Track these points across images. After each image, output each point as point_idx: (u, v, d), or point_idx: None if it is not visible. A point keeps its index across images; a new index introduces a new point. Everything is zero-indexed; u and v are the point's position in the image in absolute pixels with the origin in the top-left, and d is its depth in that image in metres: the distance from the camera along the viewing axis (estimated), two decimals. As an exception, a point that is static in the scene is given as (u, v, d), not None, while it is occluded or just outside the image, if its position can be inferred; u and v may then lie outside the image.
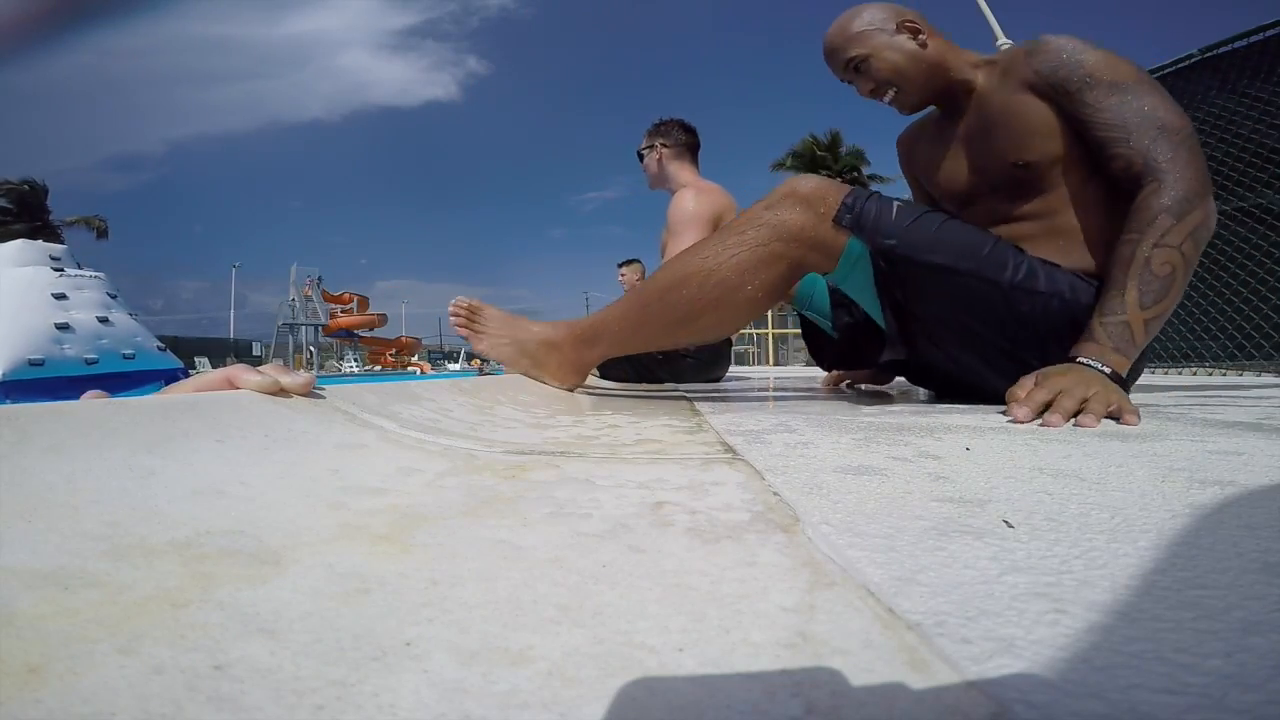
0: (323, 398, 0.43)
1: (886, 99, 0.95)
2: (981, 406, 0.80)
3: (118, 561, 0.19)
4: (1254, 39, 2.18)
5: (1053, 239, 0.86)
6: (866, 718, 0.13)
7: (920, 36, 0.91)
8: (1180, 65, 2.42)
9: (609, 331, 0.95)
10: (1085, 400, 0.62)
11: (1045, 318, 0.80)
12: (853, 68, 0.94)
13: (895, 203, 0.84)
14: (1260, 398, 0.95)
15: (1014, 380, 0.78)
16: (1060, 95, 0.81)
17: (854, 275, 0.86)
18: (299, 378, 0.43)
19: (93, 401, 0.30)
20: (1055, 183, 0.85)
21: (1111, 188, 0.82)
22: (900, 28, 0.92)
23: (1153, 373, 2.34)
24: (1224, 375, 2.02)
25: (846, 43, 0.94)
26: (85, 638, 0.15)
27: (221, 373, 0.42)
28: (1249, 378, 1.82)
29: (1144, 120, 0.77)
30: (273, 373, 0.42)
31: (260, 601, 0.18)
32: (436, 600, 0.18)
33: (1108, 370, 0.67)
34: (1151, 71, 2.52)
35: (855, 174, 15.14)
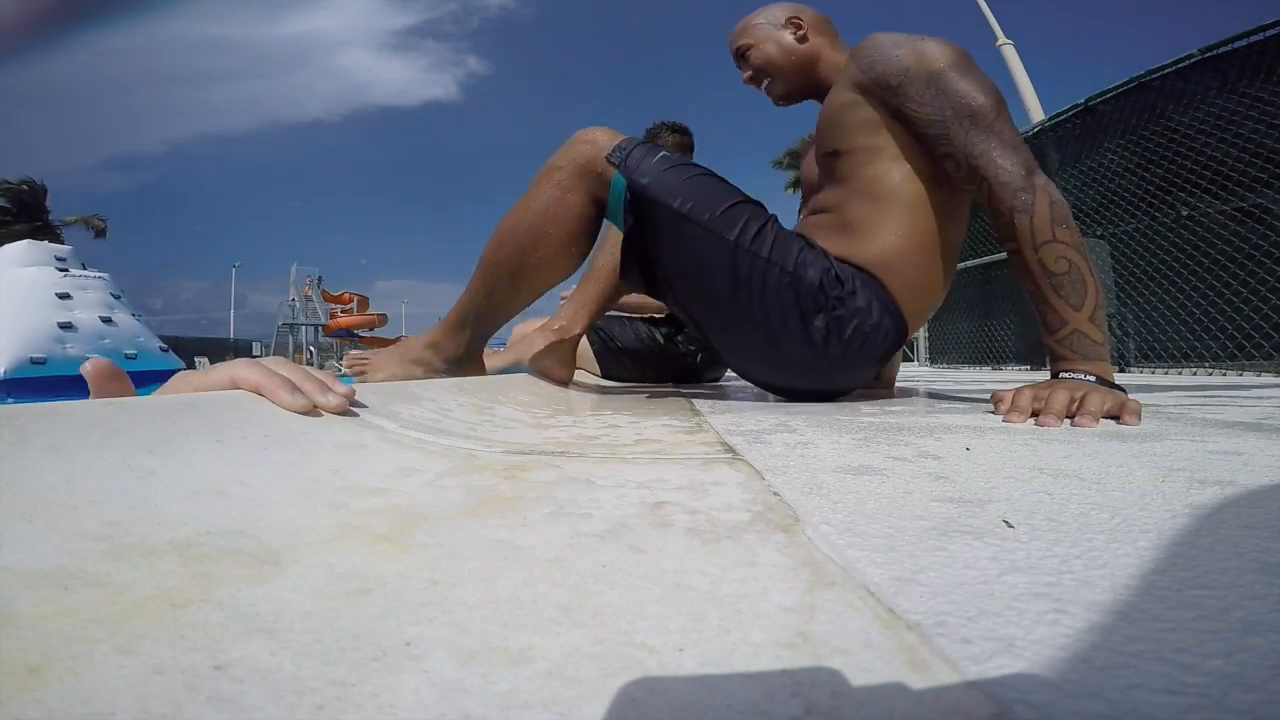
0: (356, 415, 0.41)
1: (762, 87, 1.02)
2: (981, 406, 0.80)
3: (118, 561, 0.19)
4: (1254, 39, 2.18)
5: (840, 232, 0.89)
6: (866, 718, 0.13)
7: (800, 33, 0.97)
8: (1180, 65, 2.42)
9: (471, 306, 0.98)
10: (1075, 400, 0.61)
11: (763, 284, 0.84)
12: (739, 55, 1.02)
13: (663, 153, 0.90)
14: (1260, 398, 0.95)
15: (746, 343, 0.88)
16: (884, 92, 0.83)
17: (619, 215, 0.90)
18: (334, 398, 0.39)
19: (92, 401, 0.30)
20: (854, 175, 0.88)
21: (907, 182, 0.85)
22: (787, 23, 0.97)
23: (1153, 373, 2.34)
24: (1224, 375, 2.02)
25: (740, 33, 1.01)
26: (85, 638, 0.15)
27: (253, 381, 0.37)
28: (1249, 378, 1.82)
29: (958, 112, 0.77)
30: (311, 389, 0.38)
31: (260, 601, 0.18)
32: (436, 600, 0.18)
33: (1091, 378, 0.66)
34: (1151, 72, 2.52)
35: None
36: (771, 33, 0.98)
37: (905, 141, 0.84)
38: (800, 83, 0.99)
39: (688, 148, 1.87)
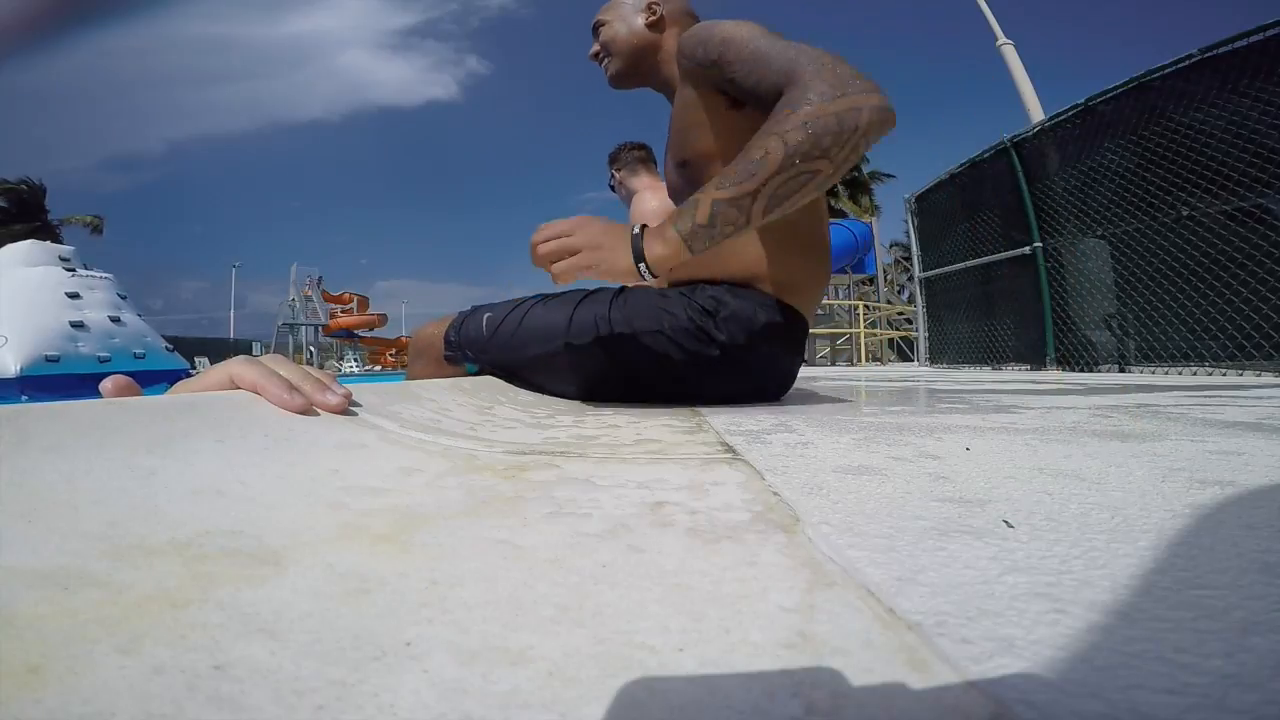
0: (356, 415, 0.42)
1: (602, 65, 1.00)
2: (981, 406, 0.80)
3: (118, 561, 0.19)
4: (1254, 39, 2.17)
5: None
6: (866, 718, 0.13)
7: (653, 18, 0.95)
8: (1180, 65, 2.41)
9: None
10: (575, 252, 0.67)
11: (648, 353, 0.86)
12: (594, 29, 1.00)
13: (485, 315, 0.92)
14: (1260, 398, 0.95)
15: (684, 392, 0.88)
16: (710, 72, 0.79)
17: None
18: (334, 398, 0.39)
19: (93, 401, 0.30)
20: (701, 181, 0.85)
21: None
22: (647, 7, 0.95)
23: (1153, 373, 2.34)
24: (1224, 375, 2.02)
25: (604, 8, 0.99)
26: (85, 638, 0.15)
27: (250, 379, 0.37)
28: (1249, 378, 1.82)
29: (780, 52, 0.71)
30: (310, 389, 0.38)
31: (260, 601, 0.18)
32: (436, 600, 0.18)
33: (638, 228, 0.68)
34: (1151, 72, 2.52)
35: (855, 172, 15.01)
36: (627, 13, 0.96)
37: (736, 130, 0.80)
38: (634, 68, 0.97)
39: (645, 159, 1.98)
